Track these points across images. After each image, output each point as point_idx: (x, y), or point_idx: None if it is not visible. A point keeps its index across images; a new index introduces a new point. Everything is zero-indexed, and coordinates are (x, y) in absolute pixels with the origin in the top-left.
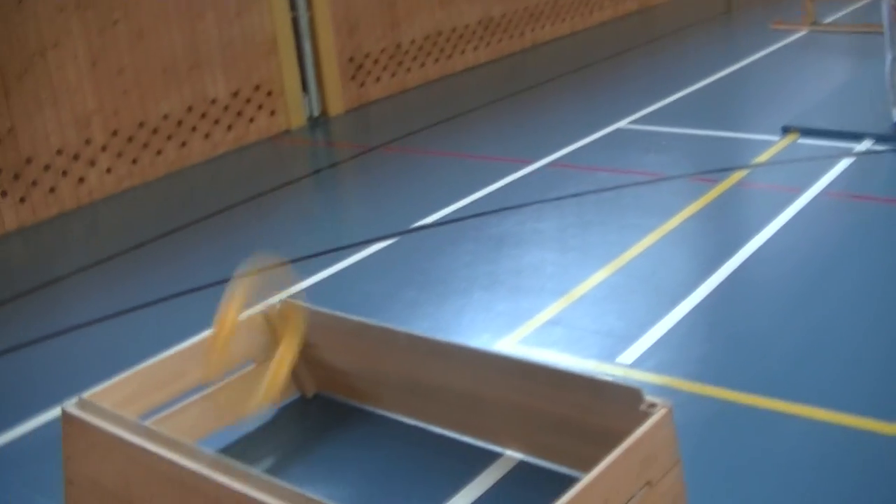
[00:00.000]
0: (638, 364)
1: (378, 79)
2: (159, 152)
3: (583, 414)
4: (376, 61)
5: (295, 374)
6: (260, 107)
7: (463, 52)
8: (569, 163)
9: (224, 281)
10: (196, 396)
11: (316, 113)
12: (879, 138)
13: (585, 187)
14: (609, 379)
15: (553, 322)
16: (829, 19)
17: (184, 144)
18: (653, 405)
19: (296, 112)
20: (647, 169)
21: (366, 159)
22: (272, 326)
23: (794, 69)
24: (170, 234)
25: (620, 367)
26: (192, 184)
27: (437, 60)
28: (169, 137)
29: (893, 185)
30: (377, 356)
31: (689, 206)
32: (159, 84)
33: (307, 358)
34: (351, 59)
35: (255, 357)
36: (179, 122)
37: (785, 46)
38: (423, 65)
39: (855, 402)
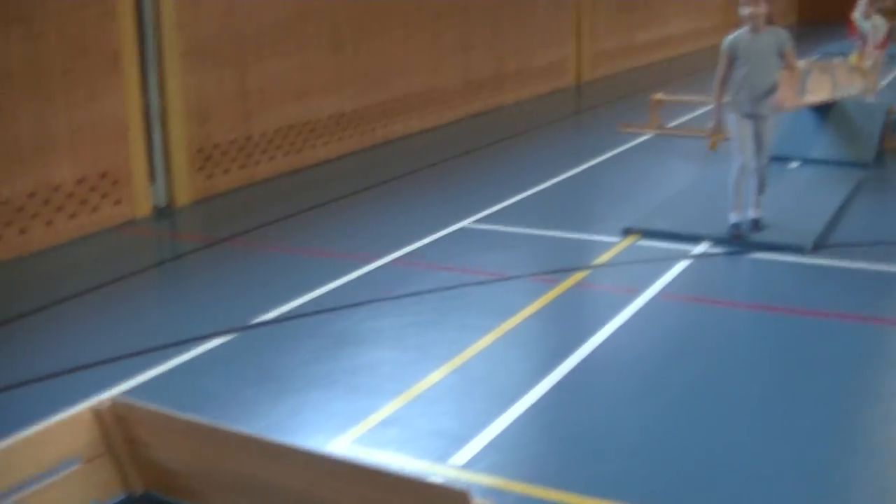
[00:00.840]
0: (471, 465)
1: (227, 170)
2: None
3: None
4: (225, 153)
5: (122, 473)
6: (105, 195)
7: (314, 146)
8: (412, 260)
9: (61, 373)
10: (23, 494)
11: (163, 203)
12: (716, 241)
13: (427, 286)
14: (437, 481)
15: (388, 422)
16: (674, 123)
17: (24, 231)
18: None
19: (142, 201)
20: (489, 268)
21: (210, 252)
22: (102, 424)
23: (638, 171)
24: (3, 324)
25: (453, 468)
26: (32, 273)
27: (287, 154)
28: (8, 224)
29: (728, 286)
30: (209, 455)
31: (529, 306)
32: (1, 166)
33: (136, 456)
34: (200, 150)
35: (81, 454)
36: (20, 208)
37: (631, 149)
38: (272, 158)
39: (689, 501)
